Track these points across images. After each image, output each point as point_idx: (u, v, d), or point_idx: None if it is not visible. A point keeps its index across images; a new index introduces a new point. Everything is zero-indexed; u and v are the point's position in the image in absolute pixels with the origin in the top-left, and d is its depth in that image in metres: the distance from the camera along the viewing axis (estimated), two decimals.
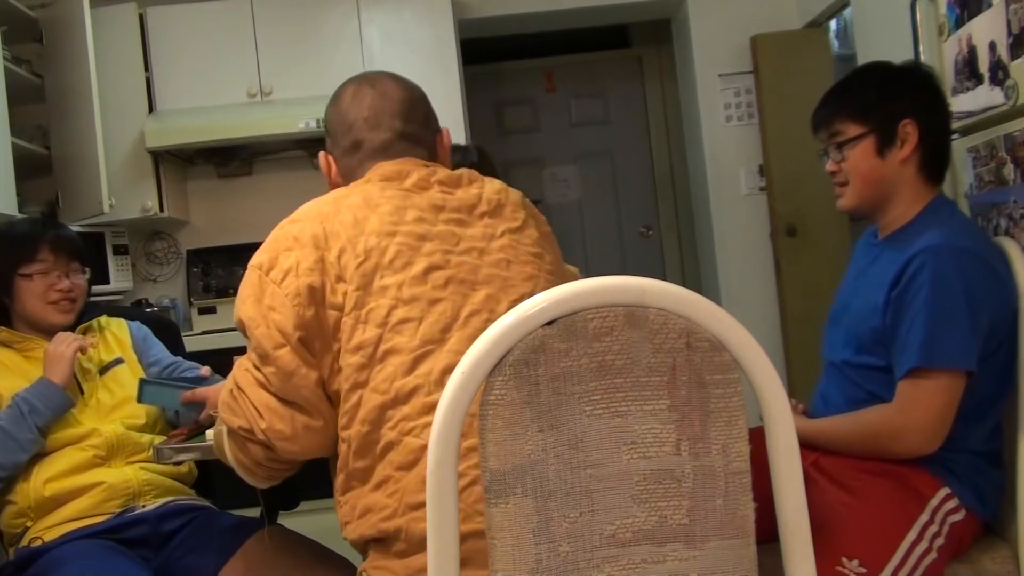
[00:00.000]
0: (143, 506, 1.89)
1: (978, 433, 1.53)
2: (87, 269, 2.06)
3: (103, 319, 2.10)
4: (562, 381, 0.85)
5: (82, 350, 1.93)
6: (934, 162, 1.68)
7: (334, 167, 1.49)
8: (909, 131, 1.63)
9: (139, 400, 1.90)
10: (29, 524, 1.84)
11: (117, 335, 2.10)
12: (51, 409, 1.85)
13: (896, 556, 1.41)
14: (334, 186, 1.47)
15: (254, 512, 2.05)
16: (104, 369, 2.00)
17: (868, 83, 1.70)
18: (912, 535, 1.43)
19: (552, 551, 0.85)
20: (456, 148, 2.51)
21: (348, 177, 1.45)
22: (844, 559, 1.40)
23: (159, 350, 2.16)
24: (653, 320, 0.86)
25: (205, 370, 2.06)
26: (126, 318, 2.19)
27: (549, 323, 0.85)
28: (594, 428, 0.85)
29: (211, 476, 2.19)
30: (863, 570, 1.39)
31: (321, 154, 1.51)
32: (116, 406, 1.96)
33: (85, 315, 2.07)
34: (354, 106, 1.46)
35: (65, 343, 1.90)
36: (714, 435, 0.86)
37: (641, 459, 0.86)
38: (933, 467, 1.50)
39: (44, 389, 1.85)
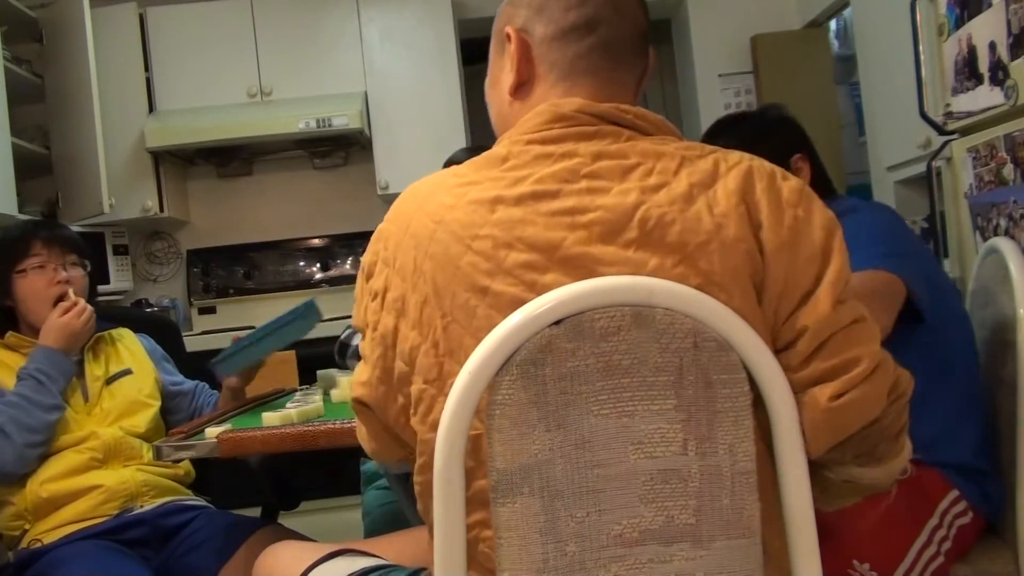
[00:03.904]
0: (141, 507, 1.89)
1: (976, 425, 1.53)
2: (87, 263, 2.05)
3: (115, 332, 2.10)
4: (569, 381, 0.85)
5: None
6: (824, 178, 1.74)
7: (532, 52, 1.06)
8: (800, 165, 1.69)
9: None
10: (27, 527, 1.84)
11: (130, 347, 2.10)
12: (63, 375, 1.87)
13: (907, 560, 1.42)
14: (519, 81, 1.06)
15: (253, 511, 2.06)
16: (112, 379, 2.00)
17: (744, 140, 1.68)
18: (922, 538, 1.44)
19: (559, 551, 0.85)
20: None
21: (552, 69, 1.04)
22: (855, 562, 1.40)
23: (176, 371, 2.18)
24: (660, 320, 0.86)
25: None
26: (126, 321, 2.19)
27: (556, 323, 0.85)
28: (601, 428, 0.85)
29: (209, 476, 2.19)
30: (874, 574, 1.40)
31: (510, 29, 1.07)
32: (119, 415, 1.96)
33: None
34: None
35: (78, 316, 1.90)
36: (721, 435, 0.86)
37: (648, 459, 0.86)
38: (942, 468, 1.50)
39: (51, 356, 1.86)
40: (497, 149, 1.00)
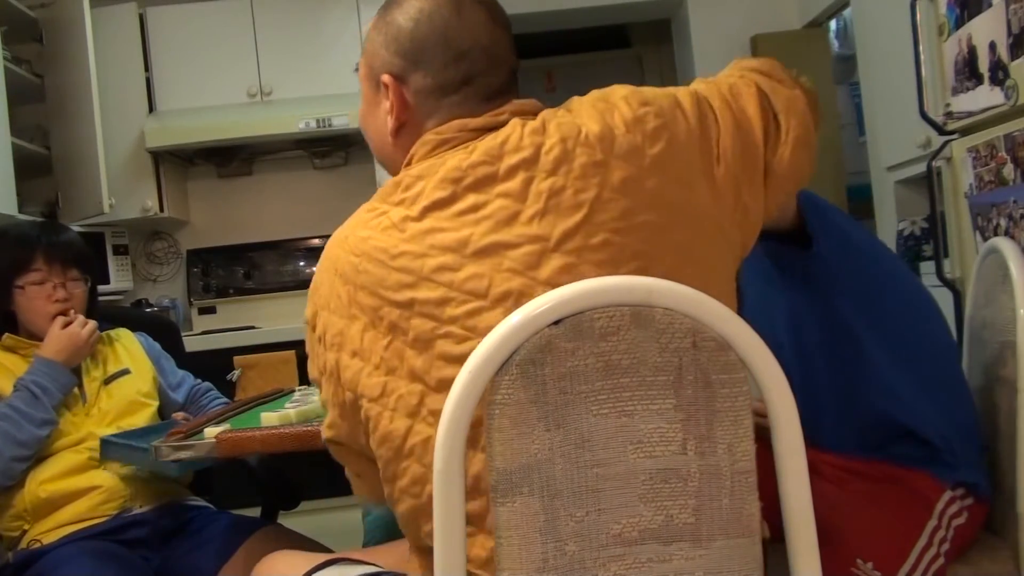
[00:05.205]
0: (140, 507, 1.89)
1: (966, 421, 1.53)
2: (88, 277, 2.02)
3: (112, 332, 2.10)
4: (568, 380, 0.85)
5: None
6: None
7: (409, 100, 1.09)
8: None
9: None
10: (27, 527, 1.83)
11: (128, 347, 2.10)
12: (60, 389, 1.86)
13: (909, 561, 1.42)
14: (397, 125, 1.11)
15: (253, 511, 2.06)
16: (109, 379, 2.00)
17: None
18: (923, 540, 1.44)
19: (559, 550, 0.86)
20: None
21: (430, 117, 1.08)
22: (859, 560, 1.40)
23: (175, 368, 2.18)
24: (659, 320, 0.86)
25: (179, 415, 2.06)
26: (126, 321, 2.19)
27: (556, 323, 0.86)
28: (600, 427, 0.86)
29: (209, 476, 2.20)
30: (877, 573, 1.40)
31: (387, 78, 1.09)
32: (117, 415, 1.96)
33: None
34: (465, 23, 1.06)
35: (82, 327, 1.91)
36: (720, 434, 0.87)
37: (647, 458, 0.86)
38: (934, 468, 1.50)
39: (49, 369, 1.85)
40: (397, 177, 1.07)
